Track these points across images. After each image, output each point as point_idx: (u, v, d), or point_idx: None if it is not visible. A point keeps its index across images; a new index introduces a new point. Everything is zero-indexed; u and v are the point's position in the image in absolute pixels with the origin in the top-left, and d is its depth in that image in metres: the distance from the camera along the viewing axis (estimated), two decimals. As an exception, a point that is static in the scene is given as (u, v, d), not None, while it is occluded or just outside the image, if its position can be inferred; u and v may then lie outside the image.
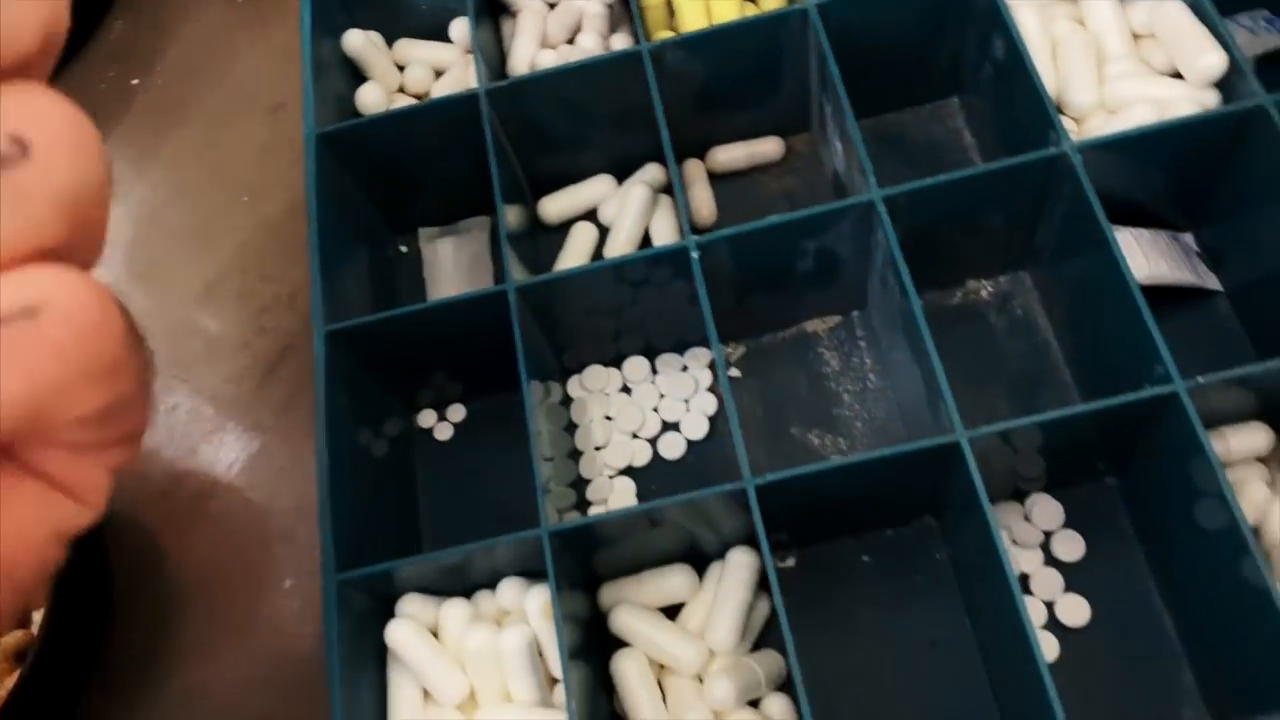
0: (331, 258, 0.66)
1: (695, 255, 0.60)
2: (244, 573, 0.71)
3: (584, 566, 0.61)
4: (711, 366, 0.70)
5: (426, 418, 0.72)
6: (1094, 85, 0.63)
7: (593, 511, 0.66)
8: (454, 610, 0.58)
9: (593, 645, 0.60)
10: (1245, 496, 0.55)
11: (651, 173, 0.76)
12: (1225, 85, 0.62)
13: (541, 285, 0.62)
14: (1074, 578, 0.61)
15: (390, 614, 0.59)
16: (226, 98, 0.92)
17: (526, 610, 0.56)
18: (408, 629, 0.56)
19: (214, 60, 0.94)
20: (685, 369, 0.71)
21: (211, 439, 0.76)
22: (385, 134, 0.70)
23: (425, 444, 0.72)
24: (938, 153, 0.75)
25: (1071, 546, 0.61)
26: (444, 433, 0.71)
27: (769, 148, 0.76)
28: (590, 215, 0.76)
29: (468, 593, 0.60)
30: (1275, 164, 0.58)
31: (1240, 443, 0.57)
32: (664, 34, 0.73)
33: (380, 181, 0.74)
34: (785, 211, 0.74)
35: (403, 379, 0.70)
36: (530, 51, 0.76)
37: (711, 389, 0.70)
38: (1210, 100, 0.61)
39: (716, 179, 0.77)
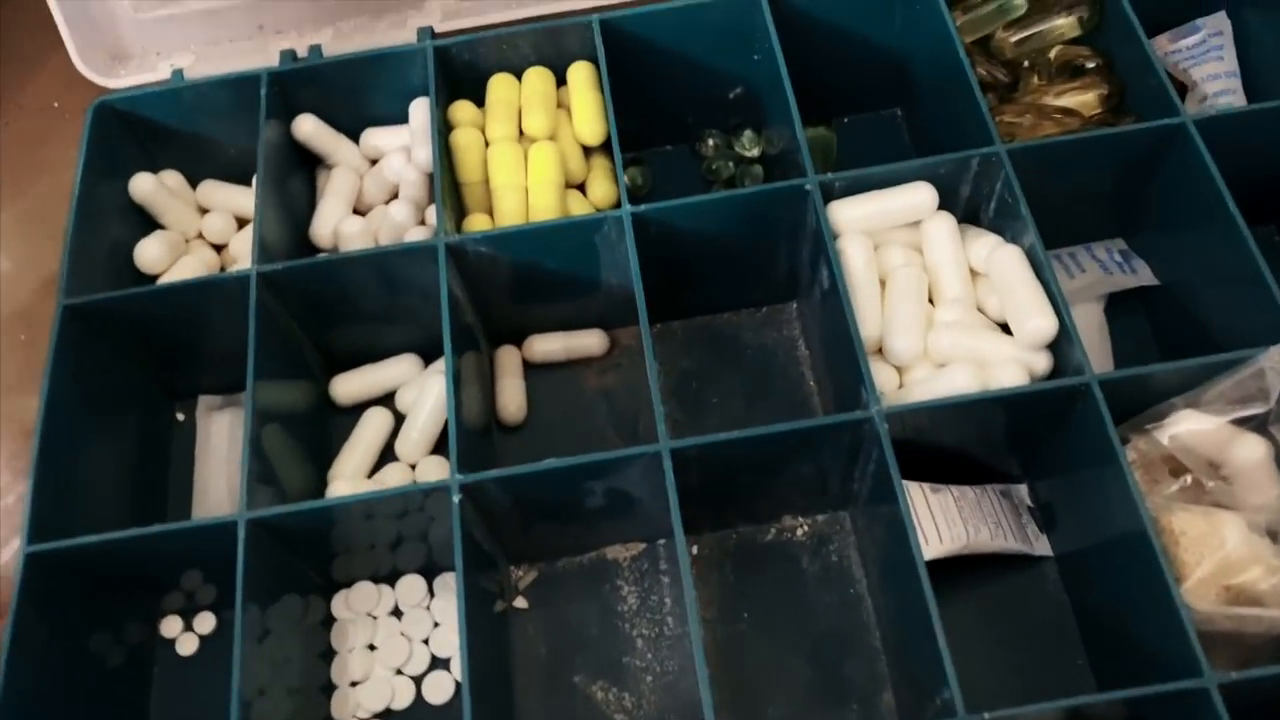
0: (64, 452, 0.58)
1: (456, 500, 0.53)
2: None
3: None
4: (499, 591, 0.63)
5: (171, 626, 0.63)
6: (918, 333, 0.58)
7: (335, 764, 0.58)
8: None
9: None
10: (1037, 833, 0.49)
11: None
12: (1055, 347, 0.57)
13: (285, 517, 0.55)
14: None
15: None
16: (27, 212, 0.84)
17: None
18: None
19: (20, 168, 0.86)
20: (468, 591, 0.63)
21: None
22: (148, 309, 0.63)
23: (166, 658, 0.63)
24: (770, 361, 0.70)
25: None
26: (188, 646, 0.63)
27: (590, 341, 0.70)
28: (390, 398, 0.69)
29: None
30: (1098, 442, 0.53)
31: (1040, 762, 0.51)
32: (478, 217, 0.66)
33: (150, 352, 0.66)
34: (602, 410, 0.69)
35: (140, 588, 0.62)
36: (336, 216, 0.69)
37: (498, 618, 0.62)
38: (1039, 362, 0.56)
39: (533, 368, 0.70)
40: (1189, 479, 0.54)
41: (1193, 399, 0.54)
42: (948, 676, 0.47)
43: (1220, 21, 0.71)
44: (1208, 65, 0.70)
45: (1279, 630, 0.49)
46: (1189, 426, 0.54)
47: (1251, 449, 0.53)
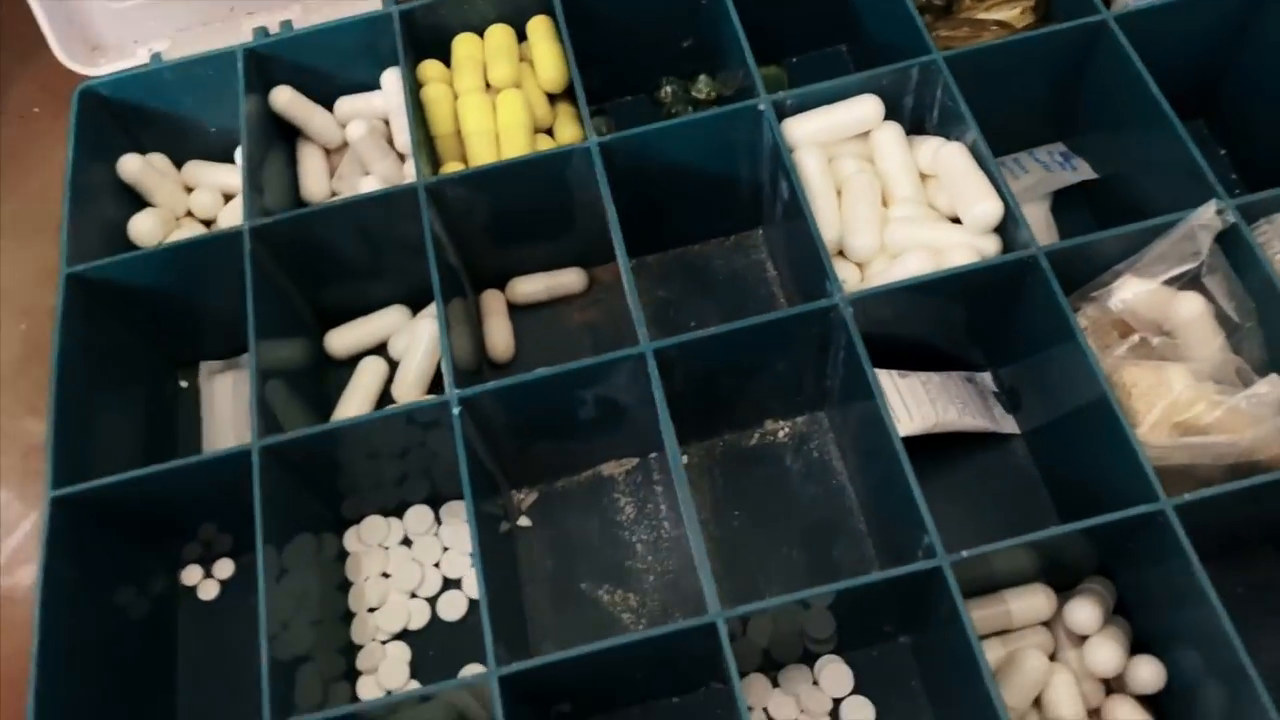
0: (78, 410, 0.61)
1: (456, 411, 0.56)
2: None
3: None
4: (503, 513, 0.66)
5: (191, 574, 0.66)
6: (874, 230, 0.62)
7: (361, 684, 0.61)
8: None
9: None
10: (1021, 668, 0.53)
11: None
12: (1002, 230, 0.61)
13: (296, 442, 0.58)
14: (863, 747, 0.57)
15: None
16: (16, 213, 0.86)
17: None
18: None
19: (6, 174, 0.88)
20: (473, 518, 0.66)
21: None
22: (146, 273, 0.66)
23: (189, 604, 0.66)
24: (741, 285, 0.73)
25: (861, 714, 0.58)
26: (209, 591, 0.66)
27: (570, 279, 0.73)
28: (383, 348, 0.72)
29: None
30: (1050, 312, 0.57)
31: (1021, 607, 0.55)
32: (454, 165, 0.70)
33: (150, 318, 0.69)
34: (587, 344, 0.72)
35: (159, 535, 0.64)
36: (320, 181, 0.72)
37: (504, 538, 0.66)
38: (988, 245, 0.60)
39: (518, 310, 0.74)
40: (1137, 338, 0.58)
41: (1133, 264, 0.58)
42: (926, 524, 0.50)
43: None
44: (1130, -30, 0.74)
45: (1226, 459, 0.53)
46: (1132, 290, 0.58)
47: (1190, 306, 0.57)
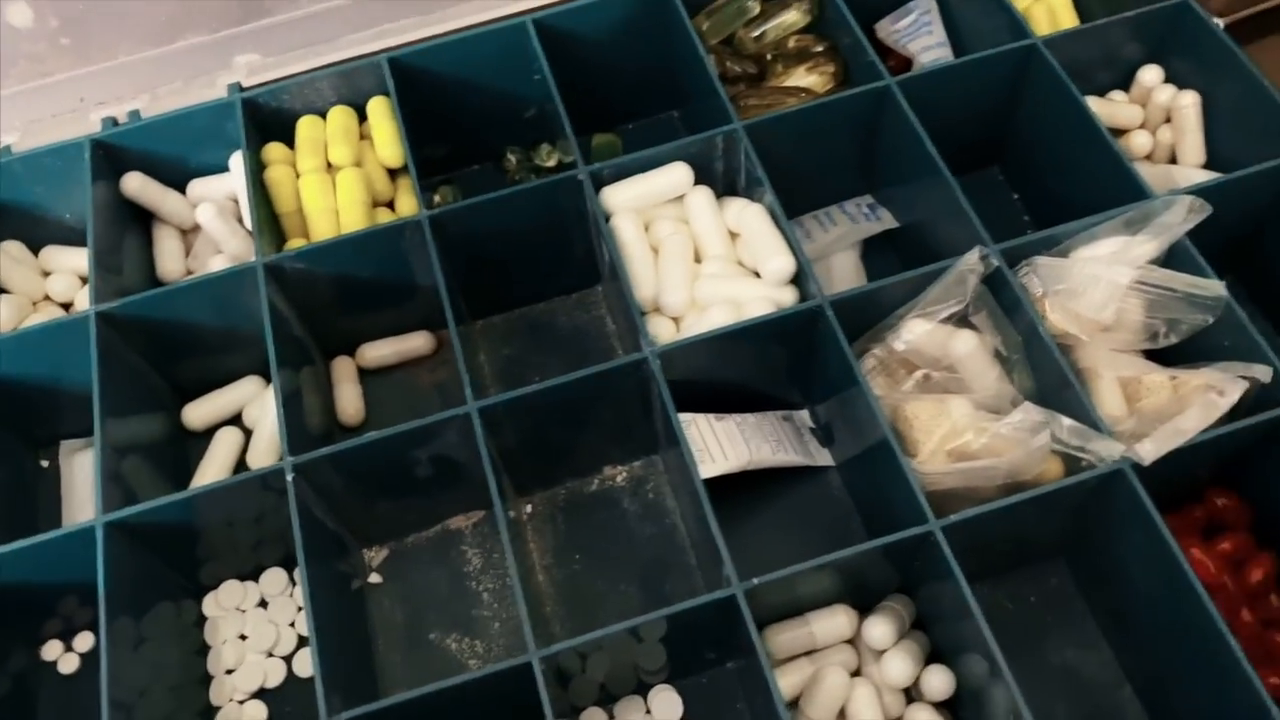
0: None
1: (290, 478, 0.60)
2: None
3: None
4: (354, 571, 0.69)
5: (51, 649, 0.68)
6: (685, 288, 0.67)
7: (217, 745, 0.64)
8: None
9: None
10: (823, 684, 0.57)
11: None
12: (797, 282, 0.66)
13: (141, 515, 0.60)
14: (694, 770, 0.61)
15: None
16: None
17: None
18: None
19: None
20: (328, 576, 0.69)
21: None
22: (-3, 359, 0.68)
23: (49, 680, 0.67)
24: (583, 339, 0.78)
25: (689, 738, 0.62)
26: (69, 665, 0.68)
27: (417, 343, 0.77)
28: (240, 418, 0.75)
29: None
30: (837, 355, 0.62)
31: (822, 628, 0.60)
32: (296, 241, 0.74)
33: (6, 402, 0.71)
34: (437, 404, 0.76)
35: (16, 613, 0.66)
36: (175, 260, 0.76)
37: (356, 594, 0.69)
38: (785, 297, 0.66)
39: (370, 374, 0.77)
40: (921, 374, 0.64)
41: (914, 307, 0.64)
42: (722, 555, 0.55)
43: (927, 1, 0.83)
44: (921, 39, 0.81)
45: (995, 480, 0.58)
46: (914, 331, 0.63)
47: (964, 343, 0.63)
